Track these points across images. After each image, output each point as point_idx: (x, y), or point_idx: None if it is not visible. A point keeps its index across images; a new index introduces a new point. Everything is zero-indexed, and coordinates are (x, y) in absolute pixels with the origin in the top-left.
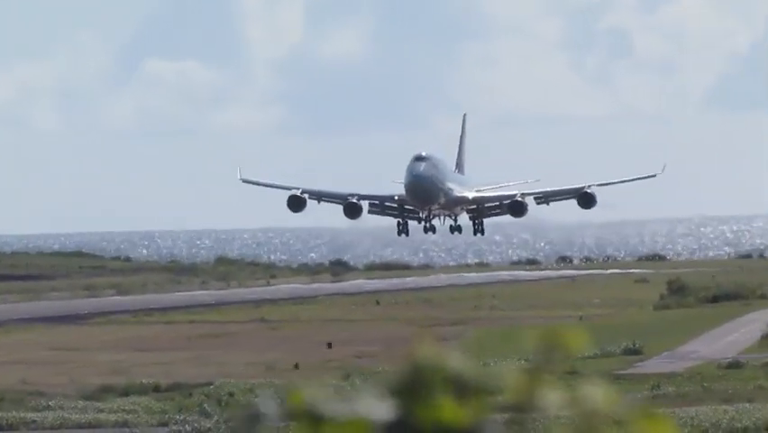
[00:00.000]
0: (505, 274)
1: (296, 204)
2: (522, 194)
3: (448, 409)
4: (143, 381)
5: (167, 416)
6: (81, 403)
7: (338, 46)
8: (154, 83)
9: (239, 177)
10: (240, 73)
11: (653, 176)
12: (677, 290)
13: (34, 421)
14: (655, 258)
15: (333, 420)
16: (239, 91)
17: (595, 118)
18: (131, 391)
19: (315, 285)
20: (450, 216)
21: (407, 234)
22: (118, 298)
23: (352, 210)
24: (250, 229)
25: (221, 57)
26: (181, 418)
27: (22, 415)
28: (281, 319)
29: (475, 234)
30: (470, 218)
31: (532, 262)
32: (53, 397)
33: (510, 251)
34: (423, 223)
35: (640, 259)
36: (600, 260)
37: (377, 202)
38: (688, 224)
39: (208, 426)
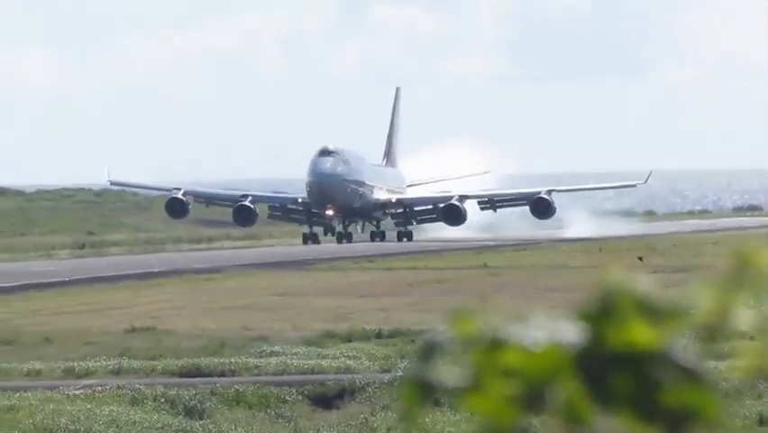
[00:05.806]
0: (726, 221)
1: (176, 209)
2: (460, 196)
3: (639, 331)
4: (365, 327)
5: (389, 362)
6: (303, 349)
7: None
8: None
9: (107, 179)
10: (463, 20)
11: (633, 185)
12: None
13: (257, 367)
14: None
15: (516, 346)
16: (461, 39)
17: None
18: (353, 338)
19: (539, 231)
20: (371, 222)
21: (317, 243)
22: (339, 245)
23: (244, 216)
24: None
25: (445, 4)
26: (404, 364)
27: (244, 360)
28: (503, 266)
29: (400, 240)
30: (395, 224)
31: (753, 209)
32: (275, 342)
33: (731, 198)
34: (336, 232)
35: None
36: None
37: (277, 205)
38: None
39: None
